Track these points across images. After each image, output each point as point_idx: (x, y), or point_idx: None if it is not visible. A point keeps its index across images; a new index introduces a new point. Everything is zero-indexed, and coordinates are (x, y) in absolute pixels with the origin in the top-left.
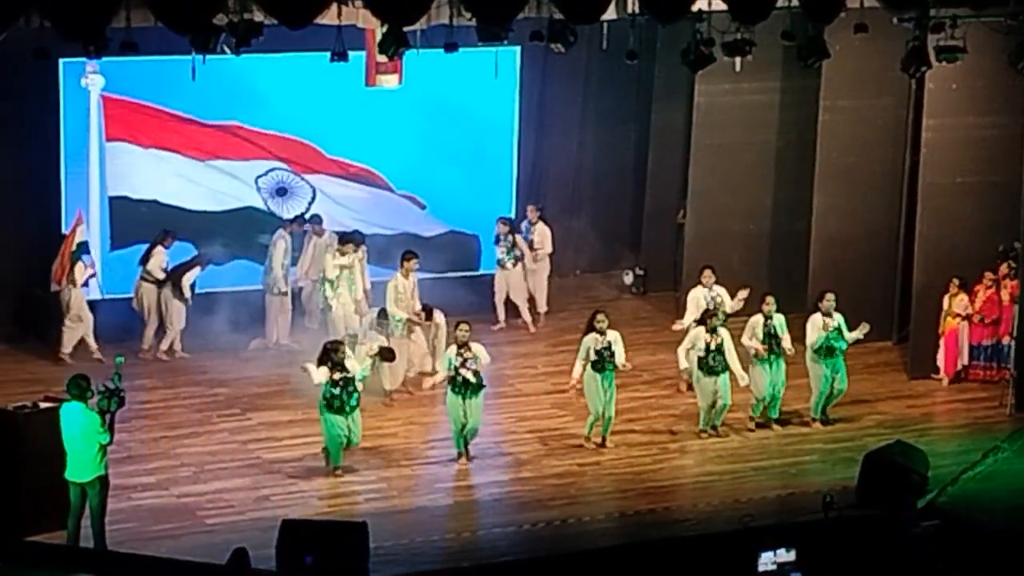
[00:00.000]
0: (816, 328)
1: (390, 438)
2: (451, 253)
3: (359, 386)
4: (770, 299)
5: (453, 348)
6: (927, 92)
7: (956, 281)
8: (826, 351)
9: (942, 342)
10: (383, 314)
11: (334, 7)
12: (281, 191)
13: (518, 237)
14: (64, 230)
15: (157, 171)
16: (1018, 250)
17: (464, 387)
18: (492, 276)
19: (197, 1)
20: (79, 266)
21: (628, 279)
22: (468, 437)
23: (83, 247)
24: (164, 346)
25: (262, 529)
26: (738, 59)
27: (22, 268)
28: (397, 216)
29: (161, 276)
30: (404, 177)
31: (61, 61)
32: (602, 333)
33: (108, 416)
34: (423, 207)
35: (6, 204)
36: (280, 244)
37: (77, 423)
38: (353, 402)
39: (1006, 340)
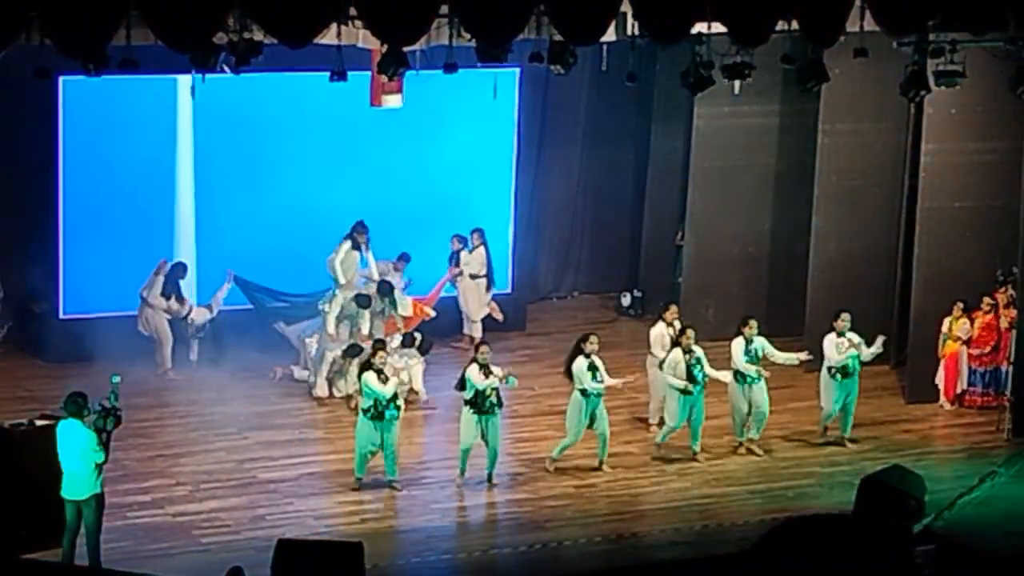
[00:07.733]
0: (832, 347)
1: None
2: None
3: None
4: (752, 322)
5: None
6: (926, 116)
7: (960, 305)
8: (841, 371)
9: (942, 365)
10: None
11: (334, 27)
12: None
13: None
14: (61, 247)
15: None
16: (1016, 275)
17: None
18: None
19: (197, 20)
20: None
21: (626, 301)
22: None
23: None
24: (169, 363)
25: (258, 549)
26: (737, 82)
27: (20, 285)
28: None
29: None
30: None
31: (60, 79)
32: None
33: (104, 435)
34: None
35: (5, 222)
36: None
37: (73, 441)
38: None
39: (1004, 366)
